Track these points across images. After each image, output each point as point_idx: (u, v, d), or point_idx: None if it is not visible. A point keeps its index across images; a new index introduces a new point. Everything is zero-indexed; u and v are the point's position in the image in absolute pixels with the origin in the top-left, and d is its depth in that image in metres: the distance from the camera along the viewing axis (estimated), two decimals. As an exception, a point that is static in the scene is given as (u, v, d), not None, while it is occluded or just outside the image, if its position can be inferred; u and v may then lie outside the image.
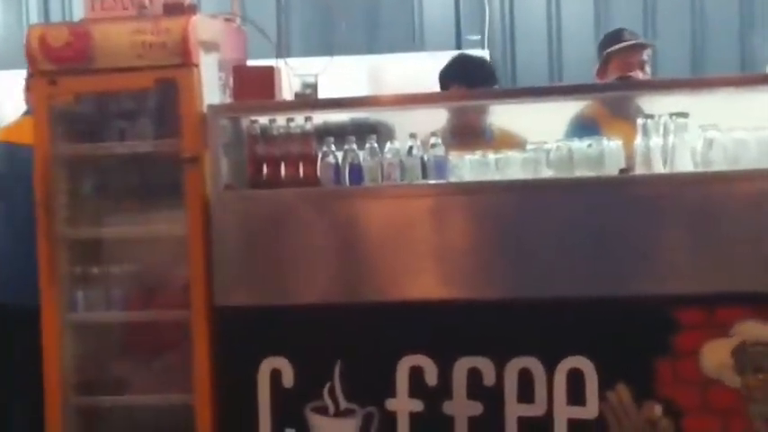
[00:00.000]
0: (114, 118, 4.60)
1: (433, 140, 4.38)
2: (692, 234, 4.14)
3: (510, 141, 4.62)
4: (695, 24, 8.99)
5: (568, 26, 9.09)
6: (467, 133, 4.88)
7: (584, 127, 4.73)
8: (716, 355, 4.06)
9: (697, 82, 5.42)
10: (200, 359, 4.39)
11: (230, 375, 4.37)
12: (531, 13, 9.25)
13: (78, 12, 4.86)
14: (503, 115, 4.96)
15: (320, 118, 4.50)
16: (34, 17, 9.79)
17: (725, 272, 4.09)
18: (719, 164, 4.17)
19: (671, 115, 4.20)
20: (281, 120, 4.42)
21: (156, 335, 4.64)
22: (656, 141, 4.20)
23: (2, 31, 9.84)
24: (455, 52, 6.42)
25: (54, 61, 4.46)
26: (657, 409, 4.10)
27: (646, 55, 5.33)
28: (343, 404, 4.29)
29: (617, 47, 5.26)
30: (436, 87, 5.24)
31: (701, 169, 4.18)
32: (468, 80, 5.10)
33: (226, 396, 4.37)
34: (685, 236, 4.15)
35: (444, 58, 5.57)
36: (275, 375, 4.32)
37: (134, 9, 4.47)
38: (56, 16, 9.77)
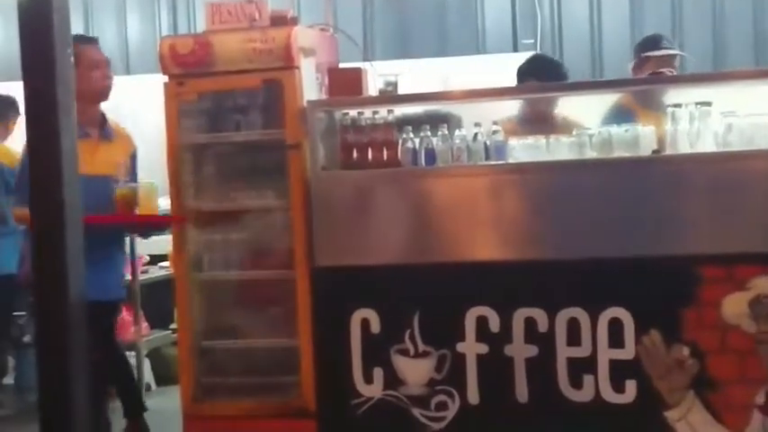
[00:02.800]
0: (230, 112, 4.63)
1: (494, 128, 4.35)
2: (714, 204, 4.07)
3: (569, 127, 4.53)
4: (715, 26, 8.84)
5: (608, 29, 8.99)
6: (539, 120, 4.76)
7: (621, 113, 4.65)
8: (735, 306, 4.00)
9: (718, 76, 5.41)
10: (303, 310, 4.41)
11: (327, 324, 4.38)
12: (575, 18, 9.17)
13: (201, 24, 4.88)
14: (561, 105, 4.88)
15: (400, 110, 4.48)
16: (165, 29, 9.92)
17: (742, 235, 4.03)
18: (737, 145, 4.11)
19: (696, 104, 4.15)
20: (367, 112, 4.42)
21: (266, 290, 4.68)
22: (683, 126, 4.15)
23: (138, 41, 9.98)
24: (512, 54, 6.34)
25: (181, 66, 4.48)
26: (685, 351, 4.05)
27: (677, 61, 5.22)
28: (422, 347, 4.28)
29: (657, 53, 5.12)
30: (496, 84, 5.17)
31: (721, 149, 4.12)
32: (540, 77, 4.89)
33: (324, 341, 4.40)
34: (708, 205, 4.09)
35: (502, 59, 5.48)
36: (365, 324, 4.33)
37: (246, 21, 4.48)
38: (183, 28, 9.88)
